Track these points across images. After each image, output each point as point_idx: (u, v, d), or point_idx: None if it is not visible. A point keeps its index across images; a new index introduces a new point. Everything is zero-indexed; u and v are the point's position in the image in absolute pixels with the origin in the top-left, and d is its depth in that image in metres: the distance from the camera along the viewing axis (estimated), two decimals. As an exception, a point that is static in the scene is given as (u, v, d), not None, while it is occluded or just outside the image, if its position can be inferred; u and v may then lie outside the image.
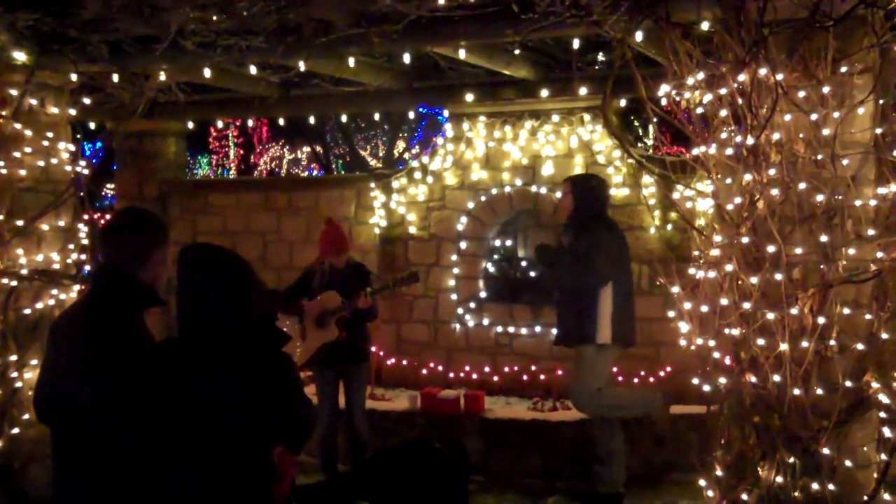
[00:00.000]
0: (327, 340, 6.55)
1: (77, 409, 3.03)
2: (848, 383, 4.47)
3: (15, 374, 6.41)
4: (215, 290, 3.14)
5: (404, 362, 9.22)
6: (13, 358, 6.40)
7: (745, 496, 4.63)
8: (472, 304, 9.00)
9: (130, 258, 3.24)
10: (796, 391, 4.45)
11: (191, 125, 10.43)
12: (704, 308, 4.75)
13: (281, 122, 11.58)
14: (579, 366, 6.60)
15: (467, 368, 8.95)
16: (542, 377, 8.56)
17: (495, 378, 8.83)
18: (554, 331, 6.97)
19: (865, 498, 4.55)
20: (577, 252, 6.51)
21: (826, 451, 4.45)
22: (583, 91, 8.08)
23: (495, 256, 9.25)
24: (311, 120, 11.12)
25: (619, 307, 6.47)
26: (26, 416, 6.41)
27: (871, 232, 4.46)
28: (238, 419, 3.03)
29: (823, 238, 4.45)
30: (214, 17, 5.83)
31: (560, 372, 8.32)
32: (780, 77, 4.35)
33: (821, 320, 4.43)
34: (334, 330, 6.55)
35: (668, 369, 8.15)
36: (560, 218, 7.08)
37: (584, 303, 6.47)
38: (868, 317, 4.54)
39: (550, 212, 8.64)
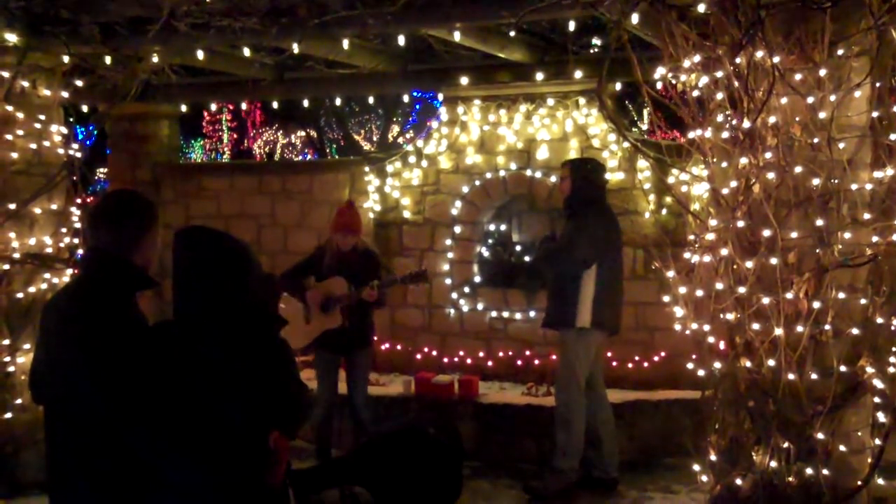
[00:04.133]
0: (330, 327, 6.50)
1: (70, 392, 3.01)
2: (843, 368, 4.47)
3: (7, 359, 6.39)
4: (211, 272, 3.11)
5: (398, 347, 9.21)
6: (6, 342, 6.39)
7: (739, 481, 4.63)
8: (467, 289, 8.99)
9: (122, 241, 3.22)
10: (791, 376, 4.45)
11: (184, 108, 10.37)
12: (699, 292, 4.74)
13: (275, 105, 11.52)
14: (561, 350, 6.65)
15: (461, 353, 8.94)
16: (536, 362, 8.56)
17: (489, 363, 8.82)
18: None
19: (859, 483, 4.55)
20: (562, 236, 6.56)
21: (820, 435, 4.45)
22: (578, 74, 8.04)
23: (490, 241, 9.22)
24: (305, 103, 11.06)
25: (601, 291, 6.45)
26: (19, 401, 6.39)
27: (866, 216, 4.45)
28: (233, 403, 3.01)
29: (819, 222, 4.44)
30: (207, -1, 5.79)
31: (554, 357, 8.31)
32: (776, 60, 4.33)
33: (816, 305, 4.43)
34: (337, 317, 6.50)
35: (663, 354, 8.14)
36: (557, 202, 7.05)
37: (567, 286, 6.48)
38: (863, 301, 4.54)
39: (545, 196, 8.61)
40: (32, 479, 6.20)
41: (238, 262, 3.16)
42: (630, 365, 8.29)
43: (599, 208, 6.66)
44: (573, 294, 6.44)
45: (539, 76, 8.31)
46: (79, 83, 7.06)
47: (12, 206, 6.45)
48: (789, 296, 4.46)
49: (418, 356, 9.08)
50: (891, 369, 4.54)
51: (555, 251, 6.56)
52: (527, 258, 8.95)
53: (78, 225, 6.89)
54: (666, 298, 5.01)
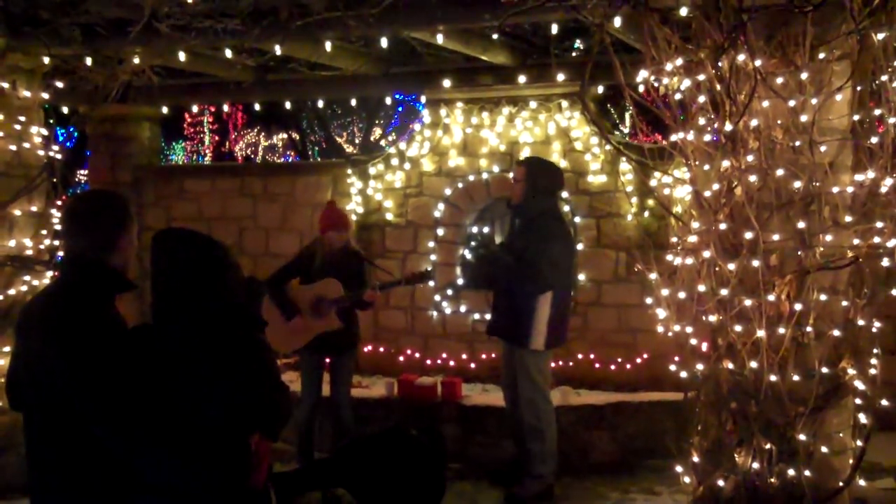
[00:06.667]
0: (328, 329, 6.43)
1: (49, 396, 2.98)
2: (824, 370, 4.49)
3: (-13, 361, 6.33)
4: (189, 274, 3.10)
5: (381, 349, 9.20)
6: (-15, 345, 6.33)
7: (721, 482, 4.64)
8: (450, 291, 8.99)
9: (99, 243, 3.17)
10: (773, 377, 4.47)
11: (165, 110, 10.33)
12: (682, 295, 4.75)
13: (257, 107, 11.49)
14: (519, 367, 6.51)
15: (444, 355, 8.94)
16: (519, 364, 8.55)
17: (472, 365, 8.82)
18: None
19: (841, 484, 4.57)
20: (520, 255, 6.36)
21: (802, 437, 4.47)
22: (560, 77, 8.05)
23: (472, 243, 9.22)
24: (287, 105, 11.04)
25: (555, 314, 6.37)
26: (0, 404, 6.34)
27: (848, 219, 4.47)
28: (214, 406, 3.00)
29: (801, 225, 4.46)
30: (189, 0, 5.76)
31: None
32: (758, 63, 4.35)
33: (798, 307, 4.45)
34: (335, 319, 6.44)
35: (646, 356, 8.17)
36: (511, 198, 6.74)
37: (521, 304, 6.37)
38: (844, 303, 4.56)
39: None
40: (13, 481, 6.14)
41: (216, 264, 3.14)
42: (613, 367, 8.31)
43: (555, 218, 6.54)
44: (528, 315, 6.32)
45: (522, 79, 8.32)
46: (59, 84, 7.01)
47: (-8, 208, 6.40)
48: (771, 298, 4.47)
49: (401, 358, 9.08)
50: (872, 371, 4.56)
51: (516, 270, 6.36)
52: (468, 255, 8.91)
53: (58, 227, 6.84)
54: (648, 301, 5.00)
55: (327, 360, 6.68)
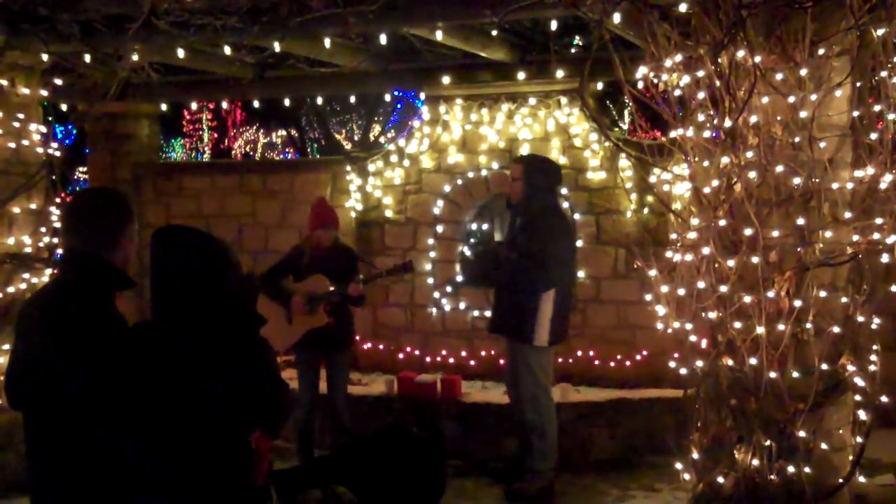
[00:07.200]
0: (315, 326, 6.45)
1: (49, 394, 2.98)
2: (824, 366, 4.48)
3: (-14, 359, 6.33)
4: (189, 272, 3.09)
5: (381, 346, 9.20)
6: (-16, 342, 6.32)
7: (721, 479, 4.64)
8: (449, 288, 8.98)
9: (98, 240, 3.17)
10: (772, 374, 4.46)
11: (164, 107, 10.32)
12: (681, 291, 4.75)
13: (256, 104, 11.48)
14: (521, 363, 6.53)
15: (444, 353, 8.94)
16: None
17: (472, 362, 8.82)
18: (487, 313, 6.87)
19: (841, 480, 4.57)
20: (525, 253, 6.36)
21: (802, 433, 4.46)
22: (560, 74, 8.04)
23: (472, 240, 9.22)
24: (286, 102, 11.02)
25: (558, 310, 6.39)
26: (-2, 402, 6.33)
27: (847, 215, 4.46)
28: (214, 403, 3.00)
29: (800, 221, 4.45)
30: (188, -3, 5.77)
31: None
32: (757, 59, 4.34)
33: (797, 303, 4.45)
34: (322, 315, 6.45)
35: (645, 353, 8.17)
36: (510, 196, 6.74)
37: (524, 301, 6.37)
38: (844, 300, 4.56)
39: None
40: (13, 480, 6.14)
41: (216, 261, 3.13)
42: (612, 364, 8.31)
43: (557, 214, 6.55)
44: (531, 312, 6.33)
45: (521, 76, 8.31)
46: (58, 82, 7.01)
47: (-9, 206, 6.40)
48: (771, 294, 4.47)
49: (401, 356, 9.07)
50: (871, 367, 4.56)
51: (521, 268, 6.37)
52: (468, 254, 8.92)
53: (57, 225, 6.83)
54: (648, 297, 5.00)
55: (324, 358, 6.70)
